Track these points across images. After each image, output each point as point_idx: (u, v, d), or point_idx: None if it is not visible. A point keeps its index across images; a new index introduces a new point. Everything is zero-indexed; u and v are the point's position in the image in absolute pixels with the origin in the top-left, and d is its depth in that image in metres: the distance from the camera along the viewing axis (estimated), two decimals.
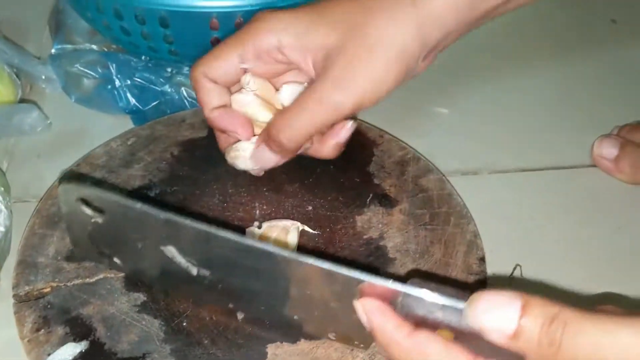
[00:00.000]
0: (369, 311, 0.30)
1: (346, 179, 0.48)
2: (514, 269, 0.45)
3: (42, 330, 0.38)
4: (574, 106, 0.60)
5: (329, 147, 0.43)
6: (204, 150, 0.49)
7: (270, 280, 0.34)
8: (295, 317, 0.35)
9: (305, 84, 0.42)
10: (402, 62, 0.38)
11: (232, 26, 0.48)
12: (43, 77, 0.55)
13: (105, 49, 0.56)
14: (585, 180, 0.53)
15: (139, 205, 0.33)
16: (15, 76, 0.53)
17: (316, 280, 0.32)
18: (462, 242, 0.43)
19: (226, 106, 0.42)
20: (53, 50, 0.55)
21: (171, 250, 0.35)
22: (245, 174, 0.46)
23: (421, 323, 0.30)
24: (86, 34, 0.57)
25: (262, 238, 0.41)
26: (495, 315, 0.27)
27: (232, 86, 0.43)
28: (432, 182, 0.48)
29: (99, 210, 0.34)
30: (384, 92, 0.39)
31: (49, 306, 0.39)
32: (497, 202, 0.50)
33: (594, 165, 0.54)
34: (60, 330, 0.38)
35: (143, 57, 0.54)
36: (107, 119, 0.54)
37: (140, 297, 0.39)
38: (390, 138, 0.52)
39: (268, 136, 0.41)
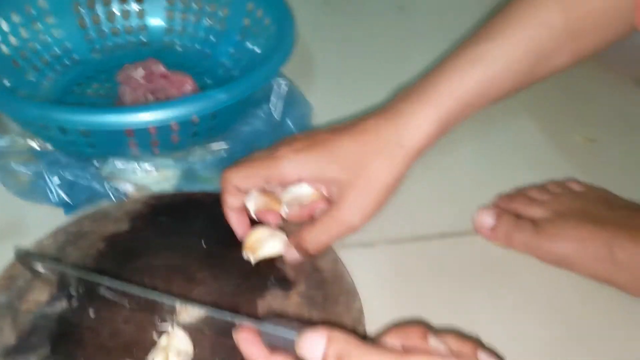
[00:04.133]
0: (240, 340, 0.42)
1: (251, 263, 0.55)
2: None
3: None
4: (460, 175, 0.68)
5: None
6: (126, 243, 0.56)
7: None
8: None
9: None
10: (395, 186, 0.51)
11: (146, 133, 0.55)
12: None
13: (38, 143, 0.62)
14: (468, 246, 0.61)
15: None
16: None
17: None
18: (348, 320, 0.51)
19: (241, 207, 0.54)
20: None
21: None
22: (159, 268, 0.53)
23: (280, 349, 0.41)
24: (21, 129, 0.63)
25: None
26: (310, 348, 0.38)
27: None
28: (328, 263, 0.55)
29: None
30: (380, 208, 0.51)
31: None
32: (390, 271, 0.58)
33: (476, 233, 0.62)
34: None
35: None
36: (42, 210, 0.60)
37: None
38: None
39: (298, 244, 0.52)
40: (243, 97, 0.57)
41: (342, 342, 0.38)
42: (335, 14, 0.94)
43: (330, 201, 0.52)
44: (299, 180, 0.51)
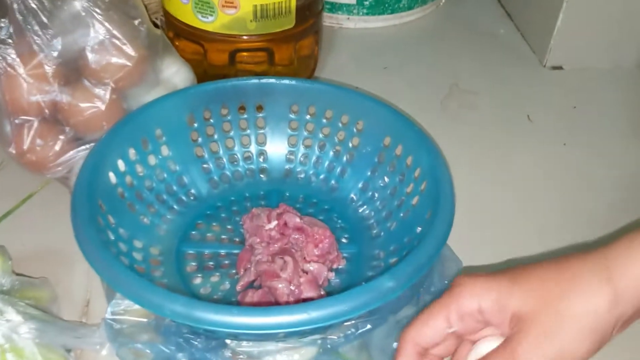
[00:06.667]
0: None
1: None
2: None
3: None
4: None
5: None
6: None
7: None
8: None
9: (498, 337, 0.45)
10: (594, 335, 0.40)
11: None
12: (97, 346, 0.54)
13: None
14: None
15: None
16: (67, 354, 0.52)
17: None
18: None
19: None
20: (108, 317, 0.54)
21: None
22: None
23: None
24: None
25: None
26: None
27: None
28: None
29: None
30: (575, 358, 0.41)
31: None
32: None
33: None
34: None
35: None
36: None
37: None
38: None
39: None
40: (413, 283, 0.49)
41: None
42: (457, 122, 0.86)
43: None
44: (479, 312, 0.44)
